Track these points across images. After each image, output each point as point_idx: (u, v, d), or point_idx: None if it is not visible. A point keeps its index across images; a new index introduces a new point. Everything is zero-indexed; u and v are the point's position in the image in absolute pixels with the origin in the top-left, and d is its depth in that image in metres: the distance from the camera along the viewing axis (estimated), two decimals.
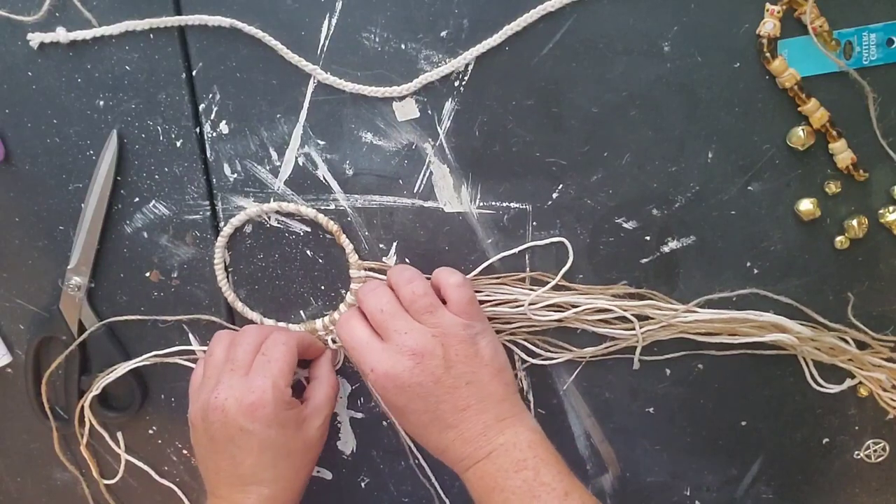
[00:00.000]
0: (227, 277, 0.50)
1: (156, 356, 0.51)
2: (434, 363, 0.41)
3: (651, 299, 0.47)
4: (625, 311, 0.47)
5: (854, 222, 0.45)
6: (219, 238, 0.49)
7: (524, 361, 0.50)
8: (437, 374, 0.41)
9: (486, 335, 0.44)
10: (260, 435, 0.42)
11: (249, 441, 0.43)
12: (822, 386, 0.48)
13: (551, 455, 0.42)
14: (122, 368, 0.51)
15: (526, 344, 0.49)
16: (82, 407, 0.52)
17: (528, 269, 0.48)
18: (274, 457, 0.43)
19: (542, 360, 0.49)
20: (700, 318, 0.47)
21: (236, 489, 0.44)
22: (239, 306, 0.50)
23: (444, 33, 0.44)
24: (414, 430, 0.44)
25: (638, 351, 0.48)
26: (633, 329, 0.47)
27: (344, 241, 0.48)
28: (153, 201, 0.49)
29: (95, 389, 0.51)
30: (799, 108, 0.43)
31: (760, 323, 0.47)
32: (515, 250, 0.47)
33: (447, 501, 0.54)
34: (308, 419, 0.45)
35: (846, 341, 0.47)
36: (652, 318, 0.47)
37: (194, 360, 0.51)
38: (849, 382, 0.48)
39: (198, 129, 0.48)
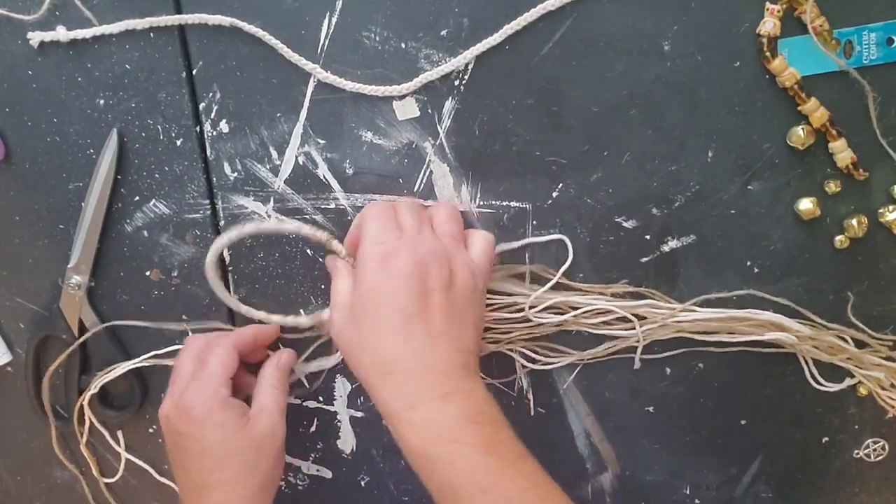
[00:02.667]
0: (228, 279, 0.50)
1: (155, 356, 0.51)
2: (439, 274, 0.40)
3: (650, 298, 0.47)
4: (625, 311, 0.47)
5: (854, 221, 0.45)
6: (207, 265, 0.45)
7: (524, 367, 0.50)
8: (435, 284, 0.39)
9: (481, 302, 0.43)
10: (196, 436, 0.43)
11: (189, 444, 0.43)
12: (821, 385, 0.48)
13: (504, 418, 0.40)
14: (122, 368, 0.51)
15: (525, 351, 0.49)
16: (81, 405, 0.52)
17: (528, 269, 0.48)
18: (217, 458, 0.43)
19: (542, 364, 0.49)
20: (699, 317, 0.47)
21: (192, 496, 0.44)
22: (244, 309, 0.49)
23: (444, 32, 0.44)
24: (373, 330, 0.40)
25: (639, 351, 0.48)
26: (633, 328, 0.47)
27: (336, 246, 0.45)
28: (153, 200, 0.49)
29: (94, 388, 0.51)
30: (799, 108, 0.43)
31: (759, 321, 0.47)
32: (515, 244, 0.47)
33: None
34: (254, 418, 0.44)
35: (845, 340, 0.47)
36: (648, 318, 0.47)
37: None
38: (848, 381, 0.48)
39: (198, 128, 0.48)
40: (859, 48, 0.43)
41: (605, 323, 0.48)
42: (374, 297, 0.40)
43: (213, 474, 0.43)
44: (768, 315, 0.47)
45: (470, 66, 0.45)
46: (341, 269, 0.44)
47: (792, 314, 0.47)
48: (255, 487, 0.44)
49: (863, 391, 0.48)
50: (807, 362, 0.48)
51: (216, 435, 0.43)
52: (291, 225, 0.45)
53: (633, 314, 0.47)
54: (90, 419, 0.53)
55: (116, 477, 0.55)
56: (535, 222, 0.47)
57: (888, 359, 0.47)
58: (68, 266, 0.50)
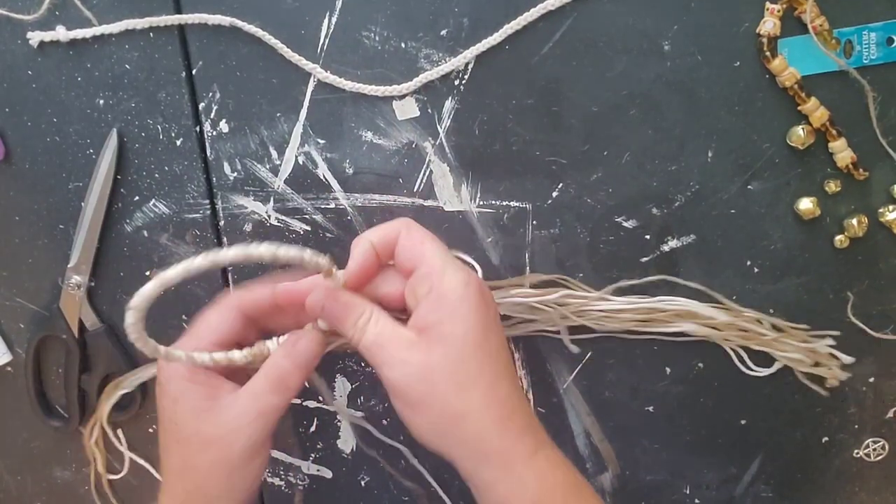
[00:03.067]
0: (228, 279, 0.50)
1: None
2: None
3: (567, 287, 0.47)
4: (543, 300, 0.46)
5: (854, 221, 0.45)
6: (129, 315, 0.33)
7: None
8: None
9: None
10: (167, 412, 0.37)
11: (161, 422, 0.38)
12: (752, 370, 0.48)
13: None
14: (137, 377, 0.51)
15: None
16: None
17: (527, 267, 0.48)
18: (164, 442, 0.37)
19: None
20: (615, 307, 0.47)
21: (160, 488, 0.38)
22: (162, 351, 0.38)
23: (444, 32, 0.44)
24: (486, 364, 0.34)
25: (565, 336, 0.48)
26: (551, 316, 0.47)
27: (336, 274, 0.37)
28: (153, 200, 0.49)
29: (113, 398, 0.51)
30: (799, 107, 0.43)
31: (676, 310, 0.47)
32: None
33: (447, 501, 0.54)
34: (223, 407, 0.36)
35: (761, 324, 0.47)
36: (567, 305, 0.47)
37: None
38: (777, 365, 0.48)
39: (198, 128, 0.48)
40: (859, 48, 0.43)
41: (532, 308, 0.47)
42: (484, 329, 0.35)
43: (161, 459, 0.38)
44: (683, 302, 0.46)
45: (470, 66, 0.45)
46: (380, 317, 0.36)
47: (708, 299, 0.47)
48: (219, 485, 0.36)
49: (831, 382, 0.48)
50: (734, 351, 0.48)
51: (167, 410, 0.36)
52: (291, 252, 0.33)
53: (554, 304, 0.46)
54: (102, 424, 0.53)
55: (121, 474, 0.55)
56: (535, 222, 0.47)
57: (804, 342, 0.47)
58: (68, 266, 0.50)
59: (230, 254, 0.32)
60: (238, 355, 0.36)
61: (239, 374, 0.38)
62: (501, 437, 0.34)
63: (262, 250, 0.32)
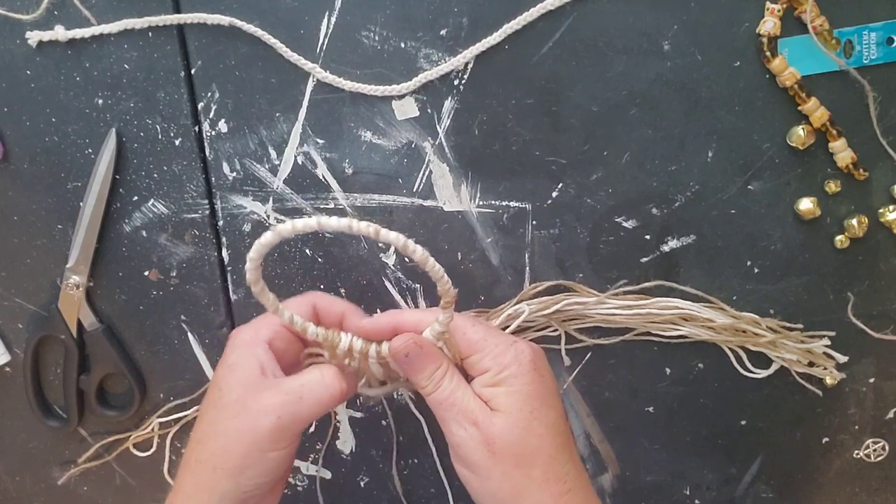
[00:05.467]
0: (227, 279, 0.50)
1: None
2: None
3: (572, 292, 0.47)
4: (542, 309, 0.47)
5: (854, 221, 0.45)
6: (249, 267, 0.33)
7: None
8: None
9: None
10: (217, 379, 0.36)
11: (208, 392, 0.37)
12: (750, 372, 0.48)
13: None
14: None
15: None
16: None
17: (527, 268, 0.48)
18: (213, 407, 0.36)
19: None
20: (614, 312, 0.47)
21: None
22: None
23: (443, 32, 0.44)
24: (546, 437, 0.35)
25: (562, 346, 0.48)
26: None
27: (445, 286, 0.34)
28: (152, 200, 0.49)
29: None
30: (799, 107, 0.43)
31: (674, 314, 0.47)
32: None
33: (448, 501, 0.54)
34: (275, 386, 0.35)
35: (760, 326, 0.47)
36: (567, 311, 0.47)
37: None
38: (775, 366, 0.48)
39: (197, 128, 0.48)
40: (859, 48, 0.42)
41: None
42: (541, 402, 0.35)
43: (193, 429, 0.37)
44: (679, 302, 0.47)
45: (469, 66, 0.45)
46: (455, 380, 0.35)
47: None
48: (205, 459, 0.35)
49: (830, 381, 0.48)
50: (732, 351, 0.48)
51: (219, 377, 0.36)
52: (429, 261, 0.32)
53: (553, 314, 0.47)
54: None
55: (151, 450, 0.54)
56: (534, 222, 0.47)
57: (801, 342, 0.47)
58: (67, 266, 0.50)
59: (340, 223, 0.31)
60: (312, 329, 0.36)
61: (290, 367, 0.38)
62: None
63: (393, 237, 0.31)
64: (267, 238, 0.31)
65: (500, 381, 0.35)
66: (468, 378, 0.37)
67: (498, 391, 0.35)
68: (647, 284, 0.47)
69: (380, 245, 0.48)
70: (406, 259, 0.47)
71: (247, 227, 0.49)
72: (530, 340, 0.43)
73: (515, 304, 0.48)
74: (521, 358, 0.35)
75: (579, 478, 0.36)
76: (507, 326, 0.47)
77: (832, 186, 0.45)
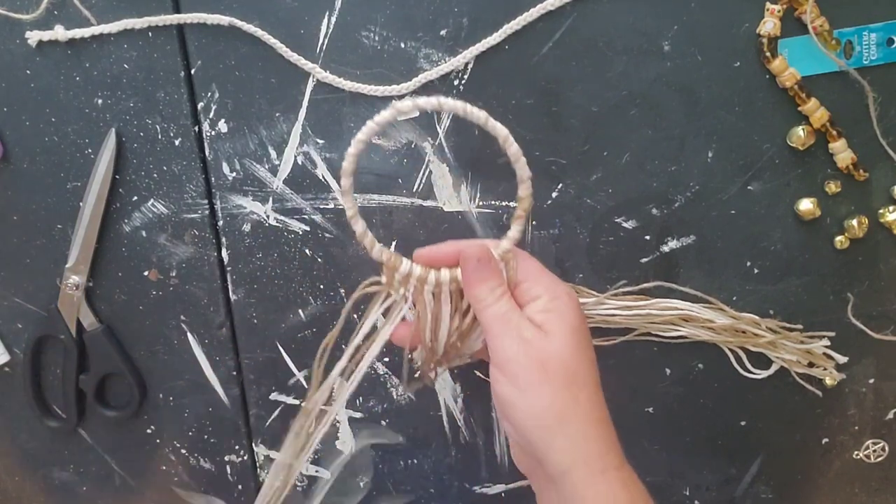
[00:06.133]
0: (227, 279, 0.50)
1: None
2: None
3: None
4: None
5: (854, 222, 0.45)
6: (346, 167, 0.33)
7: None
8: None
9: None
10: None
11: None
12: (750, 373, 0.48)
13: None
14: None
15: None
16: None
17: None
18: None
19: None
20: (613, 312, 0.47)
21: None
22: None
23: (443, 32, 0.44)
24: (591, 364, 0.36)
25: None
26: None
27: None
28: (152, 200, 0.49)
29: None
30: (799, 108, 0.43)
31: (674, 315, 0.47)
32: None
33: (448, 500, 0.54)
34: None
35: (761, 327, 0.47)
36: None
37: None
38: (774, 367, 0.48)
39: (196, 128, 0.48)
40: (859, 48, 0.42)
41: None
42: (587, 335, 0.37)
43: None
44: (678, 303, 0.47)
45: (469, 66, 0.45)
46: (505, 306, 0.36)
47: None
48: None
49: (830, 382, 0.48)
50: (733, 351, 0.48)
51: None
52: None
53: None
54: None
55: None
56: (534, 222, 0.47)
57: (801, 342, 0.47)
58: (66, 266, 0.50)
59: (441, 104, 0.32)
60: (377, 248, 0.36)
61: None
62: (599, 440, 0.35)
63: (493, 124, 0.33)
64: (385, 116, 0.32)
65: (553, 309, 0.36)
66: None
67: (551, 317, 0.35)
68: (646, 285, 0.47)
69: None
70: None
71: (246, 227, 0.49)
72: None
73: None
74: (571, 294, 0.36)
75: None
76: None
77: (832, 187, 0.45)
